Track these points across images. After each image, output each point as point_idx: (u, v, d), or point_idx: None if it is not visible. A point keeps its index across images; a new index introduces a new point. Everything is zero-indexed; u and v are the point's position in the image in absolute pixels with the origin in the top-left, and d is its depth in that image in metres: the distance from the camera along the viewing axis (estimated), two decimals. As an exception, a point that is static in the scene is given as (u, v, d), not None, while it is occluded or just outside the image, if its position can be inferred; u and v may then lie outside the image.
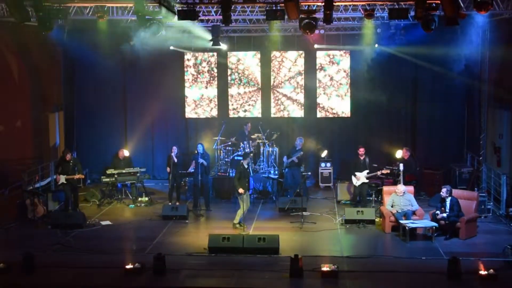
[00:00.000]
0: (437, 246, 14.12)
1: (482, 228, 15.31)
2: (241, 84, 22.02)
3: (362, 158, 17.28)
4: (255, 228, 15.79)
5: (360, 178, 17.17)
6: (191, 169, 17.92)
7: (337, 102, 21.73)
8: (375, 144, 20.16)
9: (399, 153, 18.07)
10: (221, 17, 14.83)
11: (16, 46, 17.21)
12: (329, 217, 16.93)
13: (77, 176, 17.09)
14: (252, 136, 20.39)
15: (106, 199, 18.52)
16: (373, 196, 17.82)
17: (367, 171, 17.11)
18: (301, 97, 21.88)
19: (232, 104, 22.03)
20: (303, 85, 21.83)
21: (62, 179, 16.91)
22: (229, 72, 21.95)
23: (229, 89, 22.02)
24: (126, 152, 19.01)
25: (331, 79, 21.70)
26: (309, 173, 19.18)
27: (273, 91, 21.93)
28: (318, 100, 21.75)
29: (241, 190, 15.43)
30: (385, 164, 18.28)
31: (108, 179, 18.36)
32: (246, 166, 15.77)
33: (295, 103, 21.91)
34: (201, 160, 17.25)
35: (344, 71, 21.58)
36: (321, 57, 21.63)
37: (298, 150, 18.51)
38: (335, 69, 21.67)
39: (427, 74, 19.91)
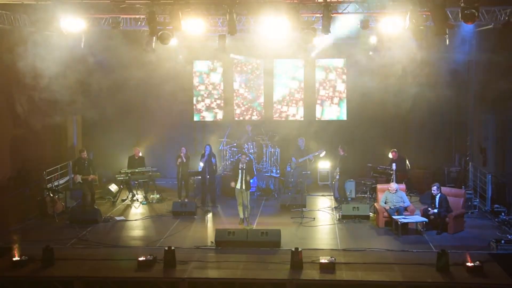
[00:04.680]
0: (427, 239, 14.13)
1: (469, 223, 15.31)
2: (245, 88, 22.10)
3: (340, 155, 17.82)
4: (258, 223, 15.80)
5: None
6: (199, 169, 17.99)
7: (334, 106, 21.80)
8: (370, 145, 20.22)
9: (391, 154, 18.13)
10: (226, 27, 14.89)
11: (37, 54, 17.24)
12: (327, 213, 16.96)
13: (90, 177, 17.13)
14: (256, 138, 20.45)
15: (120, 197, 18.62)
16: (368, 193, 17.88)
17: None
18: (300, 101, 21.96)
19: (236, 108, 22.14)
20: (303, 89, 21.90)
21: (79, 178, 16.98)
22: (233, 77, 22.06)
23: (233, 93, 22.12)
24: (140, 152, 19.07)
25: (329, 84, 21.77)
26: (309, 172, 19.19)
27: (274, 94, 22.01)
28: (317, 104, 21.83)
29: (232, 184, 15.50)
30: (379, 163, 18.34)
31: (122, 178, 18.42)
32: (240, 165, 15.65)
33: (295, 107, 21.97)
34: (214, 160, 17.37)
35: (341, 77, 21.66)
36: (320, 64, 21.72)
37: (303, 150, 18.65)
38: (333, 75, 21.75)
39: (418, 80, 19.89)
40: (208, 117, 22.29)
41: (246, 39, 18.06)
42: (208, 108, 22.24)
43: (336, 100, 21.84)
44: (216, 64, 22.07)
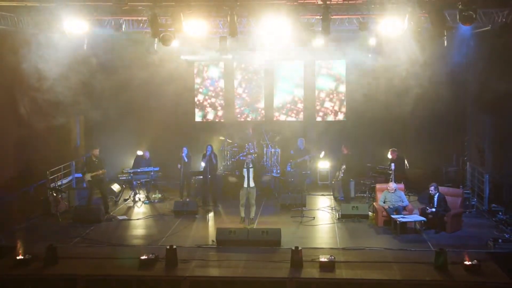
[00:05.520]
0: (425, 238, 14.14)
1: (466, 222, 15.31)
2: (246, 90, 22.13)
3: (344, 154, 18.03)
4: (259, 222, 15.80)
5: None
6: (201, 168, 18.01)
7: (334, 107, 21.83)
8: (369, 145, 20.20)
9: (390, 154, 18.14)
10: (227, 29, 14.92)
11: (40, 55, 17.27)
12: (326, 212, 16.97)
13: (100, 172, 17.06)
14: (257, 137, 20.50)
15: (122, 196, 18.65)
16: (367, 193, 17.90)
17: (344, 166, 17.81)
18: (301, 103, 21.99)
19: (238, 109, 22.18)
20: (303, 91, 21.92)
21: (88, 177, 16.86)
22: (234, 79, 22.09)
23: (234, 95, 22.15)
24: (147, 153, 19.11)
25: (328, 86, 21.80)
26: (309, 172, 19.22)
27: (275, 96, 22.03)
28: (317, 105, 21.85)
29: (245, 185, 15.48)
30: (378, 163, 18.35)
31: (124, 177, 18.44)
32: (245, 165, 15.69)
33: (295, 108, 21.99)
34: (214, 161, 17.40)
35: (340, 79, 21.69)
36: (319, 65, 21.74)
37: (303, 150, 18.70)
38: (332, 77, 21.77)
39: (417, 81, 19.89)
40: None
41: (247, 41, 18.08)
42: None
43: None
44: (217, 64, 22.11)
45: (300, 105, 22.03)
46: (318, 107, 21.92)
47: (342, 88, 21.76)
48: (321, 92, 21.89)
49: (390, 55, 18.48)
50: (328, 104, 21.85)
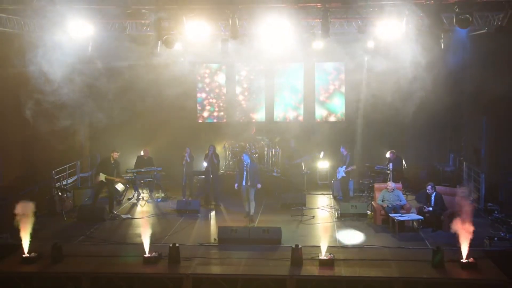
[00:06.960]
0: (422, 237, 14.15)
1: (463, 221, 15.31)
2: (247, 92, 22.13)
3: (344, 155, 17.89)
4: (260, 221, 15.82)
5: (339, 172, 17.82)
6: (203, 168, 18.02)
7: (333, 108, 21.84)
8: (368, 146, 20.20)
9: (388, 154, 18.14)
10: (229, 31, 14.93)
11: (46, 58, 17.29)
12: (326, 211, 16.97)
13: (117, 179, 17.07)
14: (258, 137, 20.49)
15: (126, 195, 18.67)
16: (366, 192, 17.89)
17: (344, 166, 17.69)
18: (301, 104, 21.98)
19: (239, 110, 22.18)
20: (303, 92, 21.92)
21: (102, 177, 16.64)
22: (236, 81, 22.10)
23: (236, 96, 22.16)
24: (147, 151, 19.12)
25: (328, 87, 21.79)
26: (308, 171, 19.21)
27: (276, 98, 22.03)
28: (316, 106, 21.85)
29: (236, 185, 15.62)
30: (376, 163, 18.33)
31: (128, 177, 18.44)
32: (244, 163, 15.70)
33: (295, 109, 21.99)
34: (215, 161, 17.39)
35: (340, 80, 21.67)
36: (319, 67, 21.74)
37: (295, 151, 18.75)
38: (332, 78, 21.77)
39: (414, 83, 19.88)
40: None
41: (248, 43, 18.08)
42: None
43: (334, 102, 21.85)
44: (218, 66, 22.14)
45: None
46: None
47: (340, 88, 21.75)
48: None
49: (388, 58, 18.51)
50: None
